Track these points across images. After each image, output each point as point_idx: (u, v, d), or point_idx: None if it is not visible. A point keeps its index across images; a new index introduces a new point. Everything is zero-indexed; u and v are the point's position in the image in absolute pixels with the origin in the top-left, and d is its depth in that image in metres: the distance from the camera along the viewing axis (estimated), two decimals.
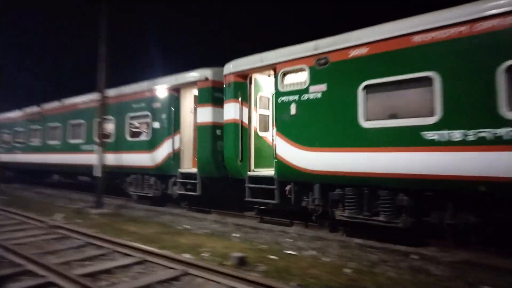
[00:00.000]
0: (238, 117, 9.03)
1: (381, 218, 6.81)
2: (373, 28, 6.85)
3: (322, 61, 7.44)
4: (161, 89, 11.15)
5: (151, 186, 11.81)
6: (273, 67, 8.33)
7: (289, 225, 8.78)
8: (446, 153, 5.85)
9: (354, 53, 6.97)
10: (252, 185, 8.87)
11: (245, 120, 9.10)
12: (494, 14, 5.55)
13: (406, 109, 6.43)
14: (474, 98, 5.67)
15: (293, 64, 7.96)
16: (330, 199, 7.51)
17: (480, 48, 5.64)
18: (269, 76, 9.36)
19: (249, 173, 9.04)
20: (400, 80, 6.40)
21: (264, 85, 9.59)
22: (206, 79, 9.96)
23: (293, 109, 7.88)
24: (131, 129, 12.37)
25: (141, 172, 11.94)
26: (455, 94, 5.83)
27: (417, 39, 6.23)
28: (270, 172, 8.89)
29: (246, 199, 9.00)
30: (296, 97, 7.83)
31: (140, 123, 12.13)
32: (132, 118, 12.25)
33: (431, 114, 6.05)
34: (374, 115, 6.73)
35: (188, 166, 11.06)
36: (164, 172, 11.19)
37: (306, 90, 7.68)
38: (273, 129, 8.39)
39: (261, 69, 8.80)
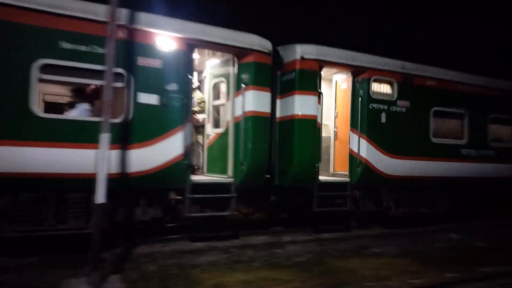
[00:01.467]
0: (318, 114, 7.58)
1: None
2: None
3: (408, 81, 8.60)
4: (166, 36, 6.19)
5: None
6: (363, 70, 8.08)
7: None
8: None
9: (428, 82, 8.86)
10: (326, 193, 7.82)
11: (319, 120, 7.75)
12: None
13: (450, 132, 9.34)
14: None
15: (384, 75, 8.32)
16: (395, 199, 8.69)
17: None
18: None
19: (321, 178, 7.81)
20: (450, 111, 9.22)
21: None
22: (268, 53, 7.09)
23: (383, 118, 8.27)
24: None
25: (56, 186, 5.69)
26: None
27: (460, 87, 9.36)
28: (337, 178, 8.31)
29: (315, 209, 7.74)
30: (386, 107, 8.31)
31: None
32: (54, 70, 5.52)
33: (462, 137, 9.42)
34: (437, 134, 9.04)
35: None
36: (157, 185, 6.26)
37: (394, 103, 8.42)
38: (359, 133, 7.99)
39: (342, 67, 8.05)
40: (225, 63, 7.37)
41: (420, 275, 5.71)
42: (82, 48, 5.67)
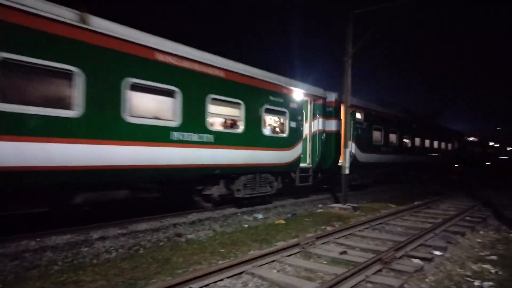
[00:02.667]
0: (340, 130, 14.39)
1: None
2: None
3: (366, 112, 16.23)
4: (298, 91, 11.88)
5: (269, 183, 11.32)
6: (353, 106, 15.20)
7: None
8: None
9: (372, 112, 16.67)
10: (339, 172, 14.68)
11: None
12: None
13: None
14: None
15: (360, 108, 15.79)
16: (360, 175, 16.21)
17: None
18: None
19: (339, 164, 14.61)
20: (378, 127, 17.36)
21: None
22: (326, 98, 13.43)
23: (359, 131, 15.74)
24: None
25: (264, 170, 11.01)
26: None
27: (380, 114, 17.57)
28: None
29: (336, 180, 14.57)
30: (360, 125, 15.81)
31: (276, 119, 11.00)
32: (269, 110, 10.83)
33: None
34: (374, 139, 16.97)
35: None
36: (291, 169, 11.95)
37: (362, 123, 15.95)
38: (352, 140, 15.07)
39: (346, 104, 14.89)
40: (303, 102, 13.31)
41: (228, 256, 6.25)
42: (274, 98, 10.99)
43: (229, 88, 9.51)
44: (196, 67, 8.59)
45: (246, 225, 8.91)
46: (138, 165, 7.38)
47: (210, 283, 4.88)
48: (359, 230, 8.33)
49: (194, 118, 8.53)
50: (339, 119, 14.49)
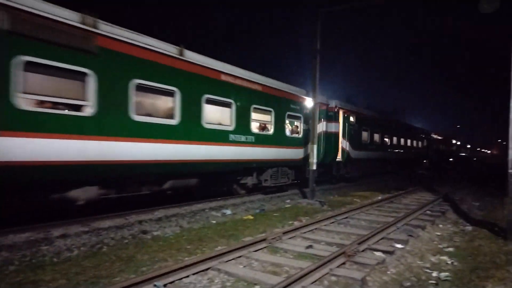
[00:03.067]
0: (339, 131, 17.11)
1: None
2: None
3: (357, 116, 19.18)
4: (309, 99, 14.45)
5: (287, 175, 14.04)
6: (348, 110, 18.14)
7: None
8: None
9: (362, 115, 19.54)
10: (339, 166, 17.65)
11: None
12: None
13: None
14: None
15: (353, 113, 18.73)
16: (351, 168, 19.06)
17: None
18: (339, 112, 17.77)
19: (337, 160, 17.51)
20: (365, 128, 20.27)
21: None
22: (328, 104, 16.06)
23: (352, 132, 18.70)
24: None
25: (284, 164, 13.60)
26: None
27: (367, 116, 20.44)
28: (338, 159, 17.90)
29: (334, 173, 17.58)
30: (352, 127, 18.76)
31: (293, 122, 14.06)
32: (289, 116, 13.54)
33: None
34: (363, 138, 19.88)
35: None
36: (303, 163, 14.61)
37: (354, 126, 18.91)
38: (344, 138, 17.82)
39: (343, 109, 17.61)
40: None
41: (194, 252, 6.19)
42: (293, 106, 13.59)
43: (265, 99, 12.00)
44: (244, 83, 11.01)
45: (214, 221, 8.85)
46: (210, 159, 9.81)
47: (175, 280, 4.82)
48: (325, 225, 8.44)
49: (242, 123, 11.00)
50: (338, 122, 17.22)
